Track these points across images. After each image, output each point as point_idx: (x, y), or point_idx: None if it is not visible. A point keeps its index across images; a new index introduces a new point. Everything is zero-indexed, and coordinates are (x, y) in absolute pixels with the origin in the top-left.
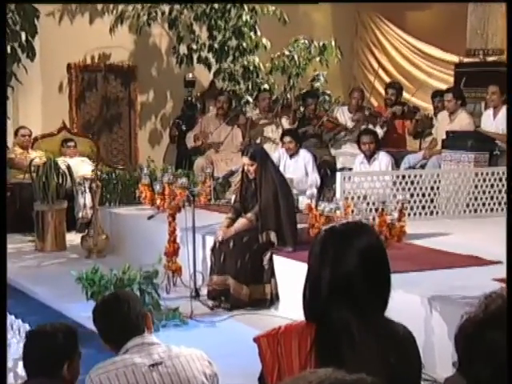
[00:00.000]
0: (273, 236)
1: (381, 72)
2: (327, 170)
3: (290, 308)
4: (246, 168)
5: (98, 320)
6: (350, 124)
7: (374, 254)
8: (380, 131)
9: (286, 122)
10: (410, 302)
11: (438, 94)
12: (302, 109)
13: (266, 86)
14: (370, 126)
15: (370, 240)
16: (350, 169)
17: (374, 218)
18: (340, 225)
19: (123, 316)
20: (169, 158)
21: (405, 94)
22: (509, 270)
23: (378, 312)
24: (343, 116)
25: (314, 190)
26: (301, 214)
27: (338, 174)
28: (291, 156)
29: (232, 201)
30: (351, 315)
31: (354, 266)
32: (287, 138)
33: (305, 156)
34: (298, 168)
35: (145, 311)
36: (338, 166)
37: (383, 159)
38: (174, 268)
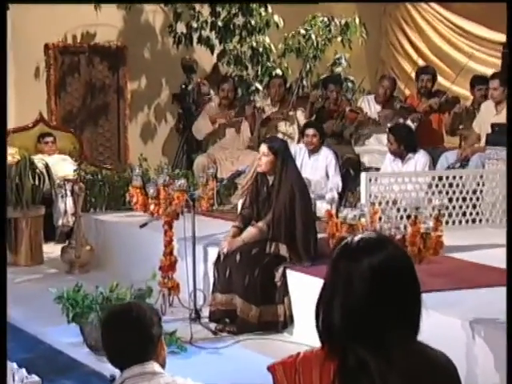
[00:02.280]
0: (283, 249)
1: (413, 54)
2: (350, 171)
3: (307, 332)
4: (258, 157)
5: (102, 336)
6: (376, 116)
7: (394, 273)
8: (411, 126)
9: (301, 115)
10: (448, 326)
11: (480, 81)
12: (320, 99)
13: (279, 71)
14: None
15: (387, 256)
16: (378, 169)
17: (405, 227)
18: (354, 240)
19: (128, 335)
20: (166, 156)
21: (443, 81)
22: (509, 270)
23: (405, 340)
24: (369, 106)
25: (335, 194)
26: (319, 222)
27: (363, 175)
28: (311, 153)
29: (239, 206)
30: (368, 353)
31: (368, 290)
32: (310, 131)
33: (327, 155)
34: (318, 168)
35: (160, 332)
36: (364, 165)
37: (421, 159)
38: (170, 285)
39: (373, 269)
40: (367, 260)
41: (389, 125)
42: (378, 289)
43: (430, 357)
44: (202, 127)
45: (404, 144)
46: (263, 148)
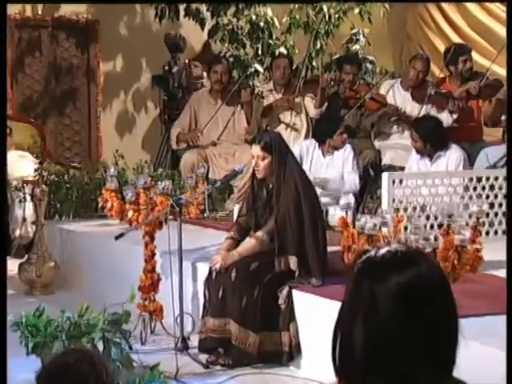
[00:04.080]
0: (293, 262)
1: (447, 29)
2: (369, 170)
3: (317, 365)
4: (254, 163)
5: None
6: (403, 105)
7: (427, 295)
8: (448, 118)
9: (310, 103)
10: (488, 358)
11: None
12: (333, 83)
13: (283, 50)
14: (433, 112)
15: (419, 275)
16: (402, 168)
17: (436, 239)
18: (379, 254)
19: None
20: (147, 152)
21: (481, 60)
22: (509, 270)
23: (439, 376)
24: (393, 93)
25: (351, 198)
26: (332, 232)
27: (385, 176)
28: (326, 151)
29: (235, 213)
30: None
31: (395, 315)
32: (342, 126)
33: (344, 149)
34: (334, 167)
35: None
36: (385, 163)
37: (453, 156)
38: (152, 308)
39: (402, 289)
40: (395, 279)
41: (422, 113)
42: (408, 313)
43: None
44: (172, 138)
45: (431, 141)
46: (256, 150)
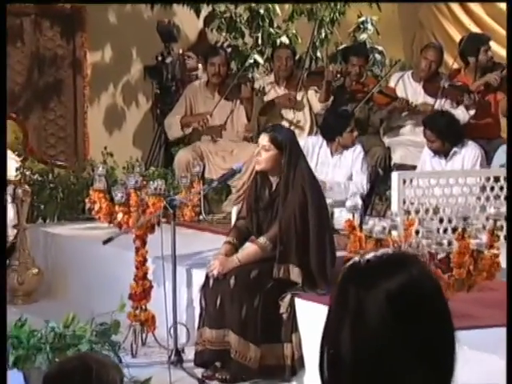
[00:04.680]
0: (295, 273)
1: (463, 16)
2: (378, 169)
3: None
4: (256, 152)
5: None
6: (415, 99)
7: (418, 302)
8: (465, 115)
9: (314, 97)
10: (504, 375)
11: None
12: (339, 76)
13: (285, 39)
14: (447, 107)
15: (409, 280)
16: (414, 167)
17: (450, 243)
18: (364, 259)
19: None
20: (138, 149)
21: (499, 50)
22: (509, 270)
23: None
24: (404, 86)
25: (358, 200)
26: (338, 236)
27: (395, 175)
28: (335, 150)
29: (233, 216)
30: None
31: (384, 325)
32: (352, 123)
33: (354, 148)
34: (342, 168)
35: None
36: (395, 162)
37: (469, 153)
38: (143, 318)
39: (390, 296)
40: (382, 285)
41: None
42: (398, 322)
43: None
44: (171, 127)
45: (448, 138)
46: (263, 139)
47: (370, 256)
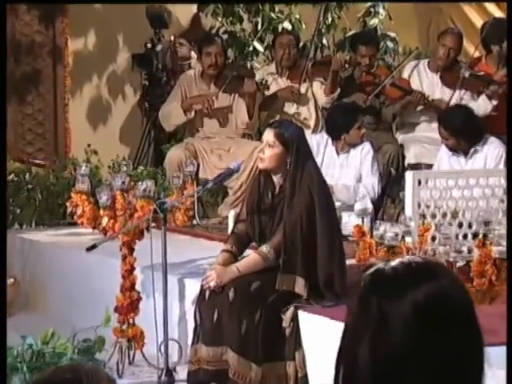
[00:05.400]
0: (301, 285)
1: None
2: (390, 168)
3: None
4: (259, 149)
5: None
6: (431, 91)
7: (447, 315)
8: (487, 105)
9: (320, 89)
10: None
11: None
12: (347, 66)
13: (287, 25)
14: (467, 99)
15: (438, 291)
16: (430, 166)
17: (470, 251)
18: (389, 267)
19: None
20: (125, 147)
21: None
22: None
23: None
24: (420, 78)
25: (368, 203)
26: (346, 243)
27: (409, 175)
28: (341, 148)
29: (230, 220)
30: None
31: (409, 339)
32: (361, 120)
33: (362, 146)
34: (350, 167)
35: None
36: (409, 160)
37: (492, 151)
38: (130, 334)
39: (417, 308)
40: (410, 296)
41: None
42: (424, 337)
43: None
44: (170, 114)
45: (464, 136)
46: (268, 135)
47: (396, 263)
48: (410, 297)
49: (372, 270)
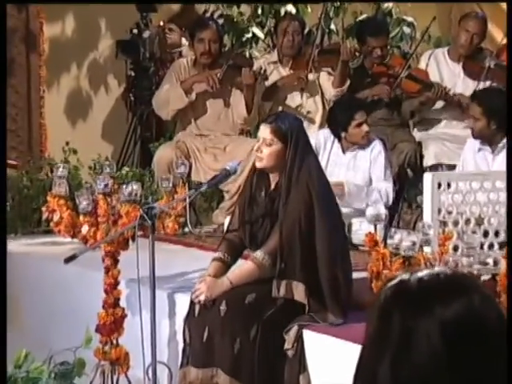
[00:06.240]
0: (300, 291)
1: None
2: (406, 169)
3: None
4: (256, 147)
5: None
6: (453, 82)
7: (477, 334)
8: None
9: (327, 80)
10: None
11: None
12: (358, 54)
13: (291, 9)
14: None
15: (468, 307)
16: (452, 166)
17: (496, 262)
18: (415, 279)
19: None
20: (108, 144)
21: None
22: (509, 269)
23: None
24: (439, 67)
25: (382, 209)
26: (356, 253)
27: (428, 177)
28: (347, 146)
29: (225, 227)
30: None
31: (436, 358)
32: (361, 115)
33: (373, 146)
34: (357, 169)
35: None
36: (428, 161)
37: None
38: (114, 356)
39: (445, 327)
40: (437, 312)
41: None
42: (452, 358)
43: None
44: (168, 98)
45: (497, 120)
46: (264, 132)
47: (422, 274)
48: (437, 314)
49: (395, 281)
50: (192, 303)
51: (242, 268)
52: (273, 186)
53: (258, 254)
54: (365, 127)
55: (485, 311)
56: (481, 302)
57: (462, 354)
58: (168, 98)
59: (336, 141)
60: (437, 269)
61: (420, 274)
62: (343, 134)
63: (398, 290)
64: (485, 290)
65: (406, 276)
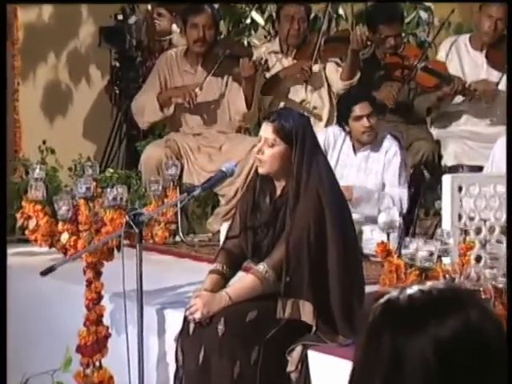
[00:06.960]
0: (308, 312)
1: None
2: (423, 171)
3: None
4: (257, 149)
5: None
6: (475, 74)
7: (475, 354)
8: None
9: (335, 72)
10: None
11: None
12: (369, 43)
13: None
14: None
15: (464, 325)
16: (474, 168)
17: None
18: (405, 296)
19: None
20: (91, 143)
21: None
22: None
23: None
24: (460, 57)
25: (396, 215)
26: (367, 264)
27: (447, 180)
28: (358, 146)
29: (222, 236)
30: None
31: (430, 381)
32: (361, 108)
33: (388, 146)
34: (369, 172)
35: None
36: (447, 162)
37: None
38: (96, 380)
39: (439, 347)
40: (431, 332)
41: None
42: (449, 376)
43: None
44: (143, 109)
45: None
46: (266, 131)
47: (412, 291)
48: (430, 333)
49: (383, 299)
50: (186, 320)
51: (243, 282)
52: (279, 192)
53: (261, 267)
54: (365, 122)
55: (484, 327)
56: (479, 317)
57: (460, 373)
58: (143, 109)
59: (348, 139)
60: (428, 284)
61: (410, 291)
62: (348, 129)
63: (386, 309)
64: (483, 304)
65: (394, 293)
